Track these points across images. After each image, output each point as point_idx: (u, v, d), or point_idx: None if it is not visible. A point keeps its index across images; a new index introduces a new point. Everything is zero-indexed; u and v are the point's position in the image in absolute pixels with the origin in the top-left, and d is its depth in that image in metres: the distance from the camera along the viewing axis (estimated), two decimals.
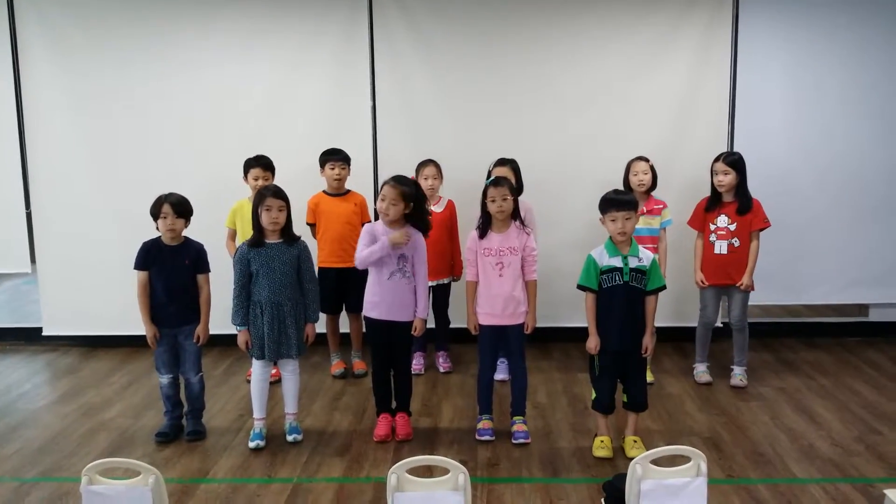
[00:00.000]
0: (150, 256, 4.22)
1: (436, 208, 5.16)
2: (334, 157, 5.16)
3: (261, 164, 5.00)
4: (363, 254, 4.14)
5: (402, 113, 5.74)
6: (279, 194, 4.14)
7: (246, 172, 5.02)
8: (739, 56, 5.65)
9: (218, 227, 5.12)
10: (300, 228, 4.37)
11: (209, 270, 4.33)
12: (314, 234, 5.22)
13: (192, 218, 4.30)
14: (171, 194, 4.23)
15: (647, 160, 4.98)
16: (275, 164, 5.08)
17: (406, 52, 5.69)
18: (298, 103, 5.72)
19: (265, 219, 4.10)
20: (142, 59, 5.70)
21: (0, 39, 5.72)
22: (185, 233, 4.30)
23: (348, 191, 5.27)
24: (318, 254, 5.13)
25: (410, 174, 4.89)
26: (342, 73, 5.71)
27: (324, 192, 5.24)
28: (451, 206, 5.24)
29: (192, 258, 4.27)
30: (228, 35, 5.69)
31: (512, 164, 4.98)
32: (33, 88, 5.76)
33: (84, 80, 5.73)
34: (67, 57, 5.72)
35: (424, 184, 5.10)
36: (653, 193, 5.02)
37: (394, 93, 5.72)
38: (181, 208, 4.20)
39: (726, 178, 4.87)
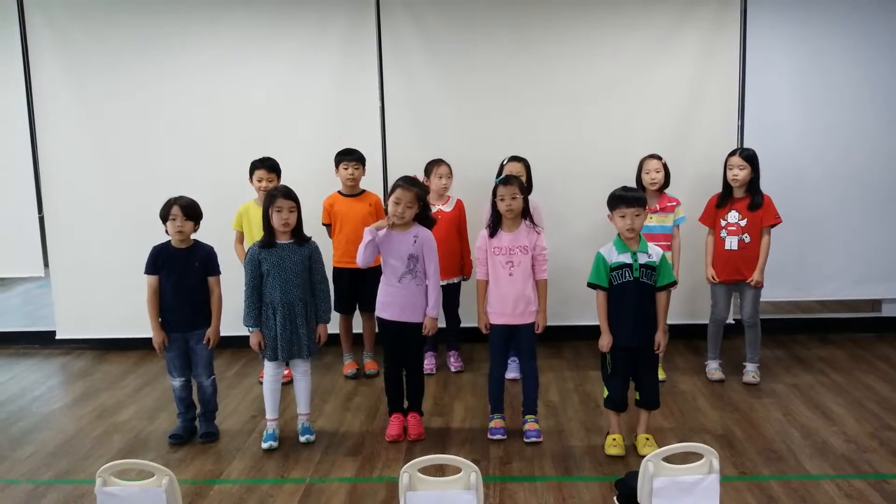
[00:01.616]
0: (160, 260, 4.24)
1: (445, 207, 5.16)
2: (348, 158, 5.16)
3: (265, 165, 5.01)
4: (358, 255, 4.19)
5: (410, 112, 5.75)
6: (289, 195, 4.15)
7: (251, 174, 5.04)
8: (748, 51, 5.63)
9: (226, 229, 5.13)
10: (310, 229, 4.38)
11: (219, 272, 4.34)
12: (330, 235, 5.23)
13: (202, 221, 4.31)
14: (180, 197, 4.24)
15: (659, 158, 4.96)
16: (283, 164, 5.08)
17: (413, 50, 5.69)
18: (307, 104, 5.73)
19: (276, 220, 4.11)
20: (150, 64, 5.73)
21: (11, 46, 5.76)
22: (195, 236, 4.32)
23: (363, 191, 5.28)
24: (332, 254, 5.14)
25: (419, 173, 4.90)
26: (350, 72, 5.72)
27: (339, 192, 5.25)
28: (460, 206, 5.24)
29: (202, 261, 4.28)
30: (236, 37, 5.71)
31: (524, 162, 4.98)
32: (44, 94, 5.80)
33: (93, 84, 5.77)
34: (77, 63, 5.75)
35: (438, 183, 5.11)
36: (665, 191, 5.01)
37: (402, 92, 5.73)
38: (190, 211, 4.22)
39: (742, 173, 4.85)
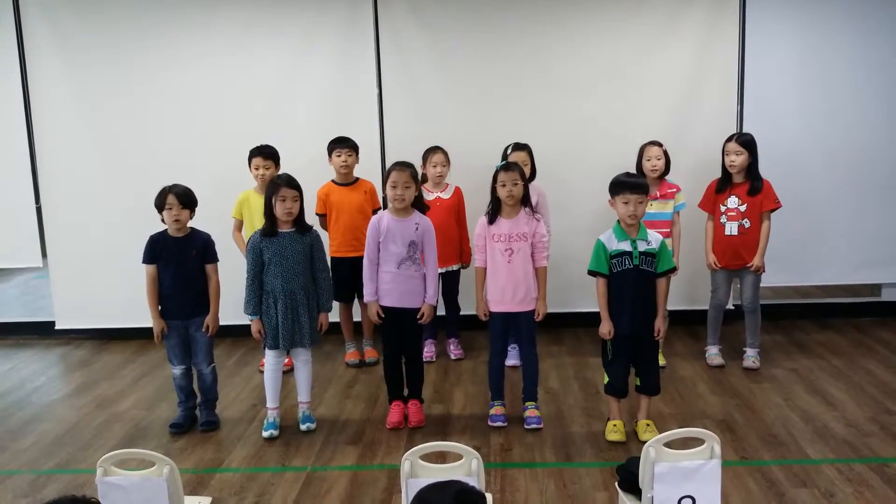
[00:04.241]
0: (157, 249, 4.23)
1: (443, 195, 5.15)
2: (341, 145, 5.14)
3: (263, 153, 4.98)
4: (364, 285, 4.27)
5: (408, 99, 5.73)
6: (293, 184, 4.13)
7: (249, 162, 5.02)
8: (747, 36, 5.60)
9: (226, 218, 5.11)
10: (310, 218, 4.37)
11: (217, 260, 4.33)
12: (323, 225, 5.20)
13: (199, 209, 4.30)
14: (175, 185, 4.23)
15: (660, 145, 4.94)
16: (282, 152, 5.06)
17: (411, 37, 5.66)
18: (304, 92, 5.71)
19: (279, 209, 4.09)
20: (147, 52, 5.70)
21: (6, 36, 5.73)
22: (191, 224, 4.30)
23: (357, 179, 5.26)
24: (329, 243, 5.12)
25: (417, 161, 4.88)
26: (348, 60, 5.69)
27: (333, 181, 5.23)
28: (458, 193, 5.22)
29: (200, 249, 4.27)
30: (233, 25, 5.68)
31: (527, 150, 4.96)
32: (40, 84, 5.77)
33: (90, 74, 5.74)
34: (73, 52, 5.72)
35: (433, 171, 5.10)
36: (665, 177, 4.99)
37: (400, 79, 5.71)
38: (186, 199, 4.20)
39: (739, 159, 4.84)
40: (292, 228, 4.17)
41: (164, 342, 4.30)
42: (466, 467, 2.64)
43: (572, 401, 4.58)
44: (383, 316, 4.24)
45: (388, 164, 5.45)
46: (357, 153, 5.20)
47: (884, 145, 5.72)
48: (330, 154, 5.17)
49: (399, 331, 4.28)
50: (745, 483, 3.55)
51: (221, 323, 4.36)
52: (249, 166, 5.01)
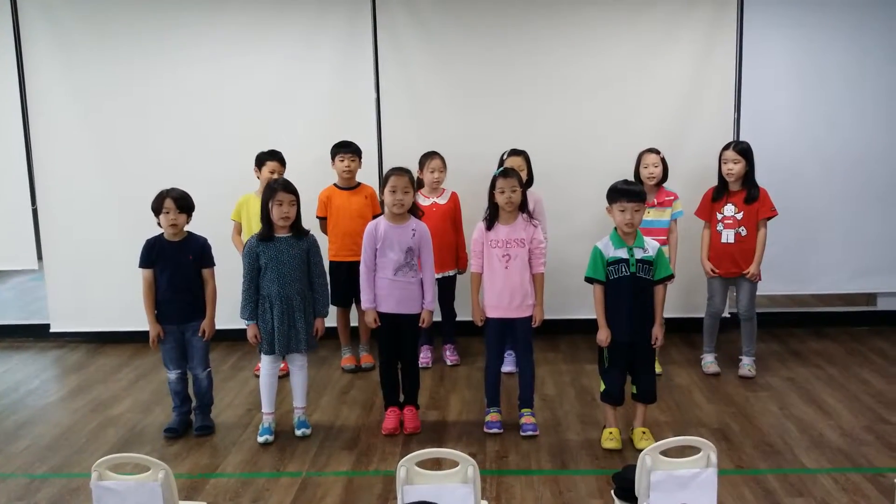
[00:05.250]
0: (154, 253, 4.22)
1: (439, 200, 5.15)
2: (345, 150, 5.14)
3: (277, 158, 5.02)
4: (362, 292, 4.25)
5: (406, 105, 5.73)
6: (289, 188, 4.13)
7: (260, 165, 5.01)
8: (744, 45, 5.62)
9: (223, 222, 5.11)
10: (307, 222, 4.36)
11: (214, 264, 4.32)
12: (323, 229, 5.20)
13: (197, 212, 4.29)
14: (172, 189, 4.22)
15: (657, 152, 4.95)
16: None
17: (410, 42, 5.67)
18: (302, 96, 5.71)
19: (276, 213, 4.09)
20: (146, 55, 5.70)
21: (4, 36, 5.72)
22: (189, 227, 4.30)
23: (359, 184, 5.25)
24: (328, 247, 5.12)
25: (415, 166, 4.88)
26: (346, 65, 5.70)
27: (335, 185, 5.23)
28: (454, 198, 5.22)
29: (196, 253, 4.26)
30: (232, 29, 5.68)
31: (524, 155, 4.96)
32: (37, 85, 5.76)
33: (88, 76, 5.73)
34: (71, 53, 5.71)
35: (430, 176, 5.10)
36: (663, 185, 5.00)
37: (398, 84, 5.71)
38: (183, 203, 4.19)
39: (736, 167, 4.85)
40: (289, 233, 4.16)
41: (159, 346, 4.29)
42: (462, 474, 2.63)
43: (568, 408, 4.57)
44: (380, 323, 4.23)
45: (386, 169, 5.48)
46: (360, 158, 5.21)
47: (880, 153, 5.73)
48: (333, 158, 5.17)
49: (395, 336, 4.27)
50: (740, 492, 3.54)
51: (217, 327, 4.36)
52: (259, 169, 5.01)
